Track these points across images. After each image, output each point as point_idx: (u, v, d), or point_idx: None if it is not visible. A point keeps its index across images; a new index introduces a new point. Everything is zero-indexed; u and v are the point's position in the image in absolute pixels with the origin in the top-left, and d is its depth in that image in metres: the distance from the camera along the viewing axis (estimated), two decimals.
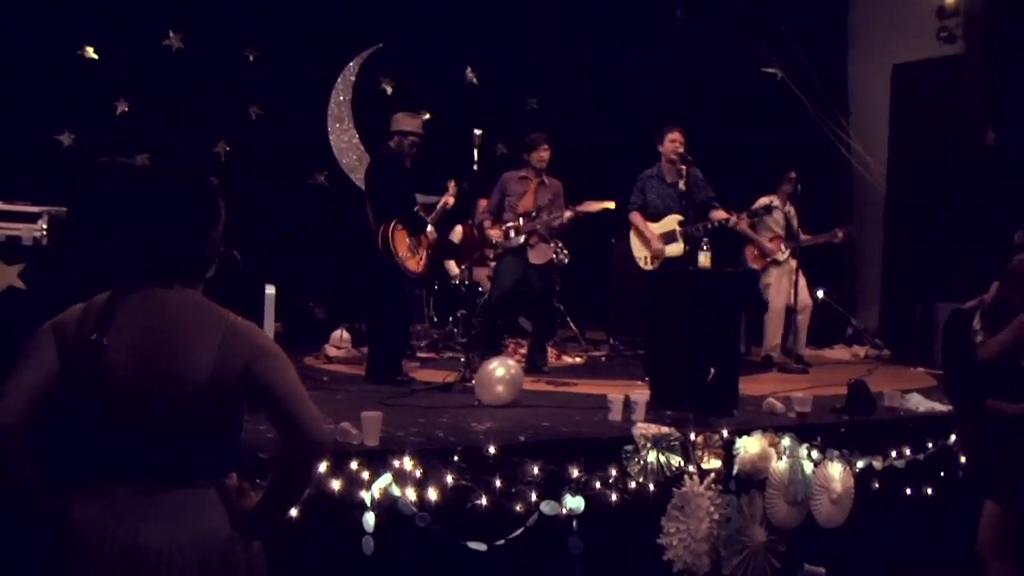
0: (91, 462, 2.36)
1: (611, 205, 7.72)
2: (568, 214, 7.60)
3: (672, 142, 7.65)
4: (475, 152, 6.86)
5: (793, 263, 8.67)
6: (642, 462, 4.81)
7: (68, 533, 2.31)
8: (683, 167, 7.31)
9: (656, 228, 7.73)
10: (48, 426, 2.36)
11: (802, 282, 8.63)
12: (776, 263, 8.72)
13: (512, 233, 7.64)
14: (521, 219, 7.63)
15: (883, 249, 11.09)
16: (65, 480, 2.36)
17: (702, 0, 11.09)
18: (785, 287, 8.66)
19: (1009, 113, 9.51)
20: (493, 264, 8.17)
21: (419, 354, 8.39)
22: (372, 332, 7.30)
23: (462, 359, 7.10)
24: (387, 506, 4.18)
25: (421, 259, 7.06)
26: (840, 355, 9.97)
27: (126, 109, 9.37)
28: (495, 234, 7.73)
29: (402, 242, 6.89)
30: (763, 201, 8.44)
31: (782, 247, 8.73)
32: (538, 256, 7.70)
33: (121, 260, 2.62)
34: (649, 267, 7.79)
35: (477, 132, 6.86)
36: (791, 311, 8.70)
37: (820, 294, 10.06)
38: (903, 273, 10.56)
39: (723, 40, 11.00)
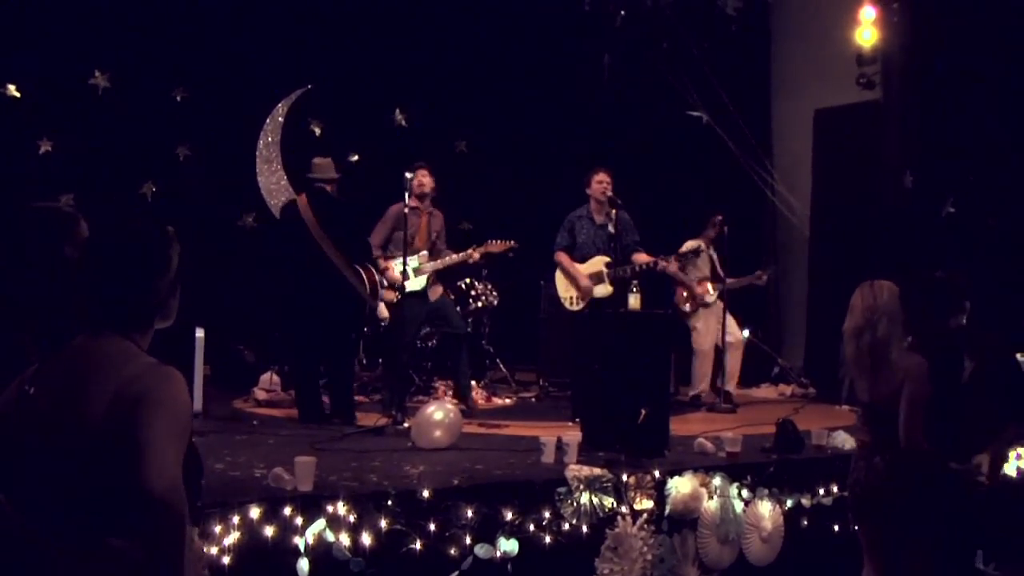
0: (20, 512, 2.28)
1: (513, 244, 7.74)
2: (475, 255, 7.56)
3: (599, 183, 7.75)
4: (406, 195, 6.87)
5: (720, 304, 8.82)
6: (575, 504, 4.82)
7: None
8: (612, 210, 7.40)
9: (583, 269, 7.80)
10: None
11: (731, 321, 8.76)
12: (705, 305, 8.86)
13: (412, 275, 7.40)
14: (419, 258, 7.45)
15: (807, 289, 11.28)
16: None
17: (629, 44, 11.27)
18: (713, 328, 8.80)
19: (926, 157, 9.78)
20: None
21: None
22: (342, 373, 7.33)
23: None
24: (321, 552, 4.14)
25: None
26: (767, 394, 10.12)
27: (49, 149, 9.19)
28: (395, 277, 7.37)
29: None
30: (690, 244, 8.58)
31: (710, 289, 8.88)
32: (434, 293, 7.62)
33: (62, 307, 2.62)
34: (575, 308, 7.85)
35: (408, 175, 6.87)
36: (719, 351, 8.82)
37: (746, 334, 10.21)
38: (827, 313, 10.69)
39: (649, 83, 11.18)
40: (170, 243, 2.51)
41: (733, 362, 8.84)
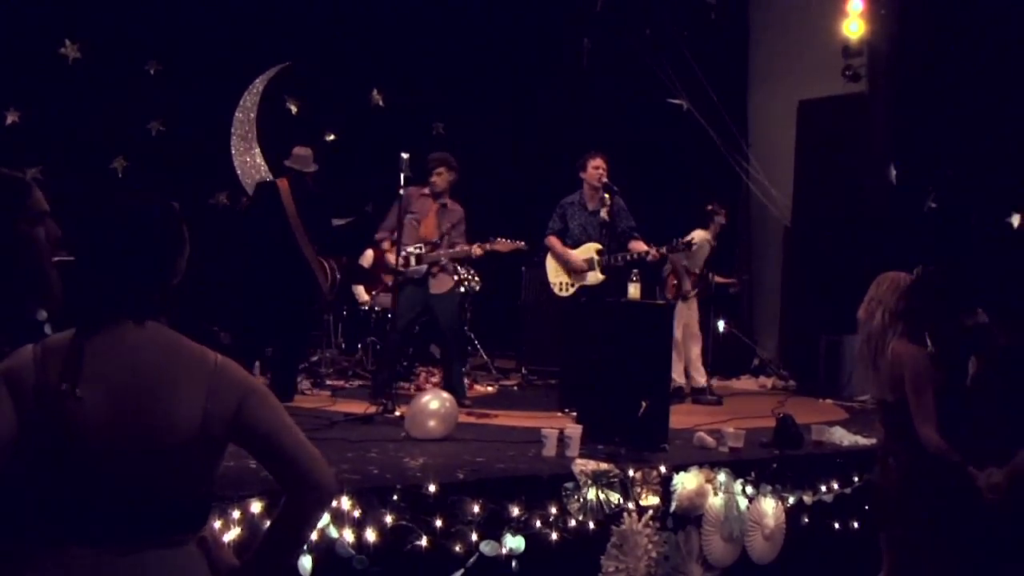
0: (57, 522, 2.07)
1: (522, 245, 7.39)
2: (478, 251, 7.21)
3: (595, 168, 7.58)
4: (401, 177, 6.66)
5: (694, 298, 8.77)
6: (582, 499, 4.67)
7: None
8: (607, 195, 7.23)
9: (574, 255, 7.65)
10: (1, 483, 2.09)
11: (693, 315, 8.68)
12: (684, 299, 8.74)
13: (413, 261, 7.22)
14: (423, 247, 7.25)
15: (782, 281, 11.23)
16: (22, 543, 2.08)
17: (609, 29, 11.13)
18: (682, 318, 8.67)
19: (910, 151, 9.73)
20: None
21: (328, 382, 8.13)
22: (289, 353, 7.28)
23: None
24: (324, 548, 3.94)
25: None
26: (747, 386, 10.04)
27: (16, 119, 8.87)
28: (395, 260, 7.24)
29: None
30: (700, 235, 8.49)
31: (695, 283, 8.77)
32: (439, 285, 7.31)
33: (85, 293, 2.33)
34: (564, 294, 7.69)
35: (404, 156, 6.66)
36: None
37: (721, 325, 10.12)
38: (803, 305, 10.69)
39: (630, 69, 11.04)
40: (182, 222, 2.34)
41: (693, 353, 8.73)
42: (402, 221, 7.11)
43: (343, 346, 9.22)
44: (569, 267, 7.60)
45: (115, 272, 2.19)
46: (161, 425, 2.08)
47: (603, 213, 7.28)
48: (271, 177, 10.14)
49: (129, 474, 2.07)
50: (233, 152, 10.19)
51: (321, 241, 7.30)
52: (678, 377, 8.77)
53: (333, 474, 2.35)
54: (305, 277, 7.16)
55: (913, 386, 4.16)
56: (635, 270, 6.61)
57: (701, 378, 8.62)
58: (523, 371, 9.29)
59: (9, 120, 8.86)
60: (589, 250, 7.57)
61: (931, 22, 9.55)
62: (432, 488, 4.26)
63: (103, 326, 2.15)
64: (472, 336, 9.44)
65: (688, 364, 8.66)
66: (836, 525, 5.68)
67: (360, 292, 9.19)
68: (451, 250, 7.28)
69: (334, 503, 3.99)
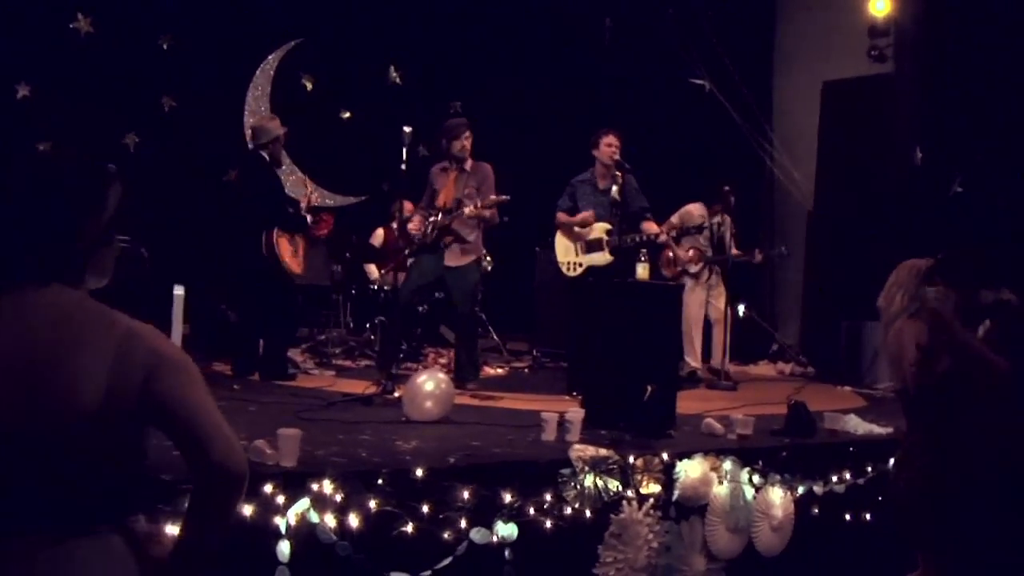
0: None
1: (505, 199, 7.12)
2: (468, 210, 6.97)
3: (608, 146, 7.38)
4: (404, 151, 6.50)
5: (714, 278, 8.53)
6: (579, 486, 4.50)
7: None
8: (618, 173, 7.04)
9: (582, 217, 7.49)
10: None
11: (717, 296, 8.47)
12: (688, 274, 8.51)
13: (429, 229, 7.05)
14: (440, 215, 7.05)
15: (804, 265, 11.01)
16: None
17: (631, 6, 10.93)
18: (697, 300, 8.46)
19: (937, 133, 9.48)
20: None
21: (335, 362, 8.01)
22: (269, 329, 7.19)
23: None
24: (304, 534, 3.80)
25: (300, 259, 7.14)
26: (765, 371, 9.84)
27: (27, 94, 8.82)
28: (414, 227, 7.20)
29: (285, 247, 6.98)
30: (690, 209, 8.27)
31: (696, 260, 8.51)
32: (452, 258, 7.09)
33: None
34: (573, 273, 7.51)
35: (407, 130, 6.49)
36: (708, 325, 8.56)
37: (741, 309, 9.92)
38: (825, 290, 10.48)
39: (652, 48, 10.84)
40: (105, 182, 2.11)
41: (717, 338, 8.52)
42: (432, 199, 7.18)
43: (351, 325, 9.10)
44: (580, 236, 7.40)
45: (4, 231, 2.03)
46: (58, 395, 1.89)
47: (614, 192, 7.09)
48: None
49: (26, 451, 1.88)
50: (246, 129, 10.05)
51: (279, 220, 7.10)
52: (693, 361, 8.60)
53: (244, 459, 2.06)
54: (261, 257, 7.04)
55: (952, 339, 3.89)
56: (644, 250, 6.42)
57: (718, 362, 8.43)
58: (535, 353, 9.14)
59: (20, 94, 8.80)
60: (599, 230, 7.39)
61: (959, 1, 9.28)
62: (420, 472, 4.11)
63: (6, 292, 1.98)
64: (484, 317, 9.29)
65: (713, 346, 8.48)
66: (847, 517, 5.49)
67: (371, 270, 9.07)
68: (456, 214, 7.03)
69: (316, 486, 3.86)
